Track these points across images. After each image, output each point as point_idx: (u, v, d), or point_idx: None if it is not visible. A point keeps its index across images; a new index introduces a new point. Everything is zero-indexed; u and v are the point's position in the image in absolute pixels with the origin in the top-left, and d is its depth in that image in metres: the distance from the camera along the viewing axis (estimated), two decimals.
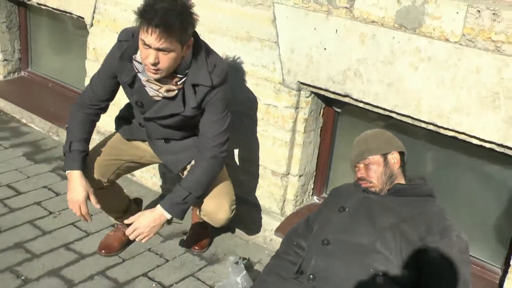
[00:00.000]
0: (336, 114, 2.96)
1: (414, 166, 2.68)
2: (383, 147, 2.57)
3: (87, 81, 3.72)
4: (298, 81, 2.78)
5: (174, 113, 2.50)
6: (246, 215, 3.08)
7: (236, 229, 3.15)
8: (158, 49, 2.25)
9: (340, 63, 2.61)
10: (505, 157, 2.36)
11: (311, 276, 2.34)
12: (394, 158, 2.56)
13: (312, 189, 3.11)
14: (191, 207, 2.87)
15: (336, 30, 2.59)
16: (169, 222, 2.58)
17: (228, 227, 3.09)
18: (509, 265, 2.40)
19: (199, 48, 2.44)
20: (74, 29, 4.21)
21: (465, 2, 2.23)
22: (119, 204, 2.87)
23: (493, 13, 2.17)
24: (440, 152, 2.71)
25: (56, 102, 4.24)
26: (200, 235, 3.01)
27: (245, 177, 3.09)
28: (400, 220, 2.40)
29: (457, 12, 2.25)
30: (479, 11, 2.20)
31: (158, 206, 2.46)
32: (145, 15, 2.22)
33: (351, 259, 2.33)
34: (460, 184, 2.68)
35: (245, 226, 3.13)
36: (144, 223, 2.45)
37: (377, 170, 2.54)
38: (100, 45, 3.63)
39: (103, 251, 2.89)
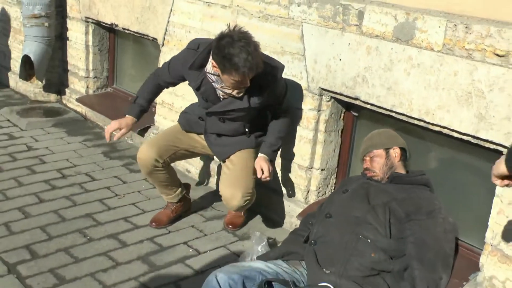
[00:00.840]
0: (355, 118, 3.46)
1: (417, 162, 3.13)
2: (386, 142, 3.06)
3: None
4: (320, 87, 3.31)
5: (239, 108, 3.12)
6: (276, 202, 3.61)
7: (267, 214, 3.67)
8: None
9: (351, 71, 3.13)
10: (479, 149, 2.78)
11: (312, 241, 2.83)
12: (395, 152, 3.04)
13: (334, 183, 3.59)
14: None
15: (349, 44, 3.12)
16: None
17: (261, 212, 3.62)
18: (484, 243, 2.78)
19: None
20: (150, 50, 4.94)
21: (444, 18, 2.72)
22: (172, 184, 3.47)
23: (466, 26, 2.64)
24: (434, 149, 3.15)
25: None
26: (235, 217, 3.55)
27: (275, 170, 3.61)
28: (392, 200, 2.86)
29: (439, 26, 2.73)
30: (455, 25, 2.67)
31: (261, 154, 3.17)
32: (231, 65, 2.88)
33: (345, 227, 2.80)
34: (448, 176, 3.10)
35: (275, 212, 3.64)
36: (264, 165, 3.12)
37: (380, 161, 3.04)
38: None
39: (154, 223, 3.50)
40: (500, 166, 2.02)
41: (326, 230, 2.85)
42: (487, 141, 2.65)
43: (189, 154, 3.51)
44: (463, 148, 2.93)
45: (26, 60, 5.18)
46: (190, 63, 3.12)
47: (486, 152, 2.77)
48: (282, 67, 3.22)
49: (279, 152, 3.52)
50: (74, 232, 3.35)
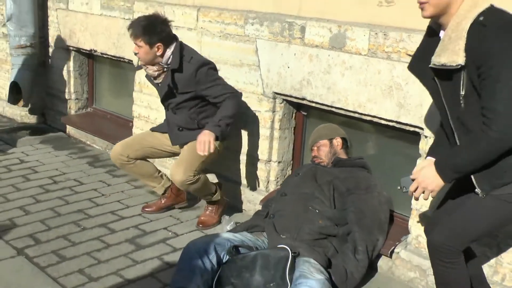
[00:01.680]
0: (304, 117, 4.11)
1: (356, 148, 3.78)
2: (329, 134, 3.73)
3: (134, 109, 5.04)
4: (273, 92, 3.96)
5: (165, 92, 3.76)
6: (241, 193, 4.22)
7: (234, 203, 4.26)
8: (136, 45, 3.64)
9: (298, 76, 3.78)
10: (402, 133, 3.44)
11: (271, 215, 3.46)
12: (337, 141, 3.71)
13: (290, 173, 4.21)
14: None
15: (295, 54, 3.78)
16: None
17: (230, 203, 4.21)
18: (411, 209, 3.41)
19: (181, 49, 3.73)
20: (124, 72, 5.55)
21: (368, 28, 3.39)
22: (150, 177, 4.06)
23: (384, 34, 3.32)
24: (368, 136, 3.81)
25: (112, 128, 5.53)
26: (208, 217, 4.00)
27: (241, 166, 4.22)
28: (335, 178, 3.51)
29: (364, 35, 3.41)
30: (376, 33, 3.35)
31: (207, 131, 3.60)
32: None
33: (297, 202, 3.44)
34: (381, 157, 3.75)
35: (240, 201, 4.25)
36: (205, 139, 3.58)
37: (325, 150, 3.70)
38: (143, 79, 4.92)
39: (146, 209, 4.13)
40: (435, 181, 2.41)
41: (282, 205, 3.48)
42: (406, 124, 3.31)
43: (158, 151, 4.02)
44: (390, 133, 3.59)
45: (13, 86, 5.73)
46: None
47: (406, 135, 3.43)
48: (202, 61, 3.74)
49: (243, 149, 4.12)
50: (69, 224, 3.90)
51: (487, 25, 2.22)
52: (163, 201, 4.13)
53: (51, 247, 3.57)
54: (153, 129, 4.07)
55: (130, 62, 5.11)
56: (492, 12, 2.26)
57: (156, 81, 3.84)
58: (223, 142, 3.87)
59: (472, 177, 2.34)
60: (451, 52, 2.28)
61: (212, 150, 3.58)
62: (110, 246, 3.63)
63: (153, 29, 3.63)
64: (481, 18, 2.25)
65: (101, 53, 5.43)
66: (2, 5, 5.93)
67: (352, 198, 3.45)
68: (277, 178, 4.14)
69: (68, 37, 5.68)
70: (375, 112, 3.44)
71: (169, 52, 3.70)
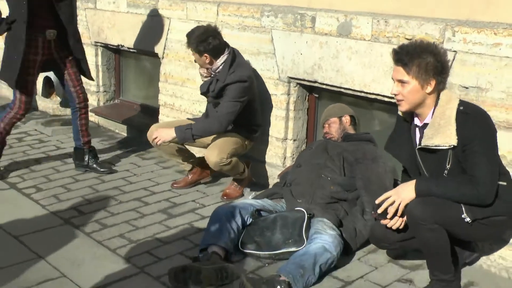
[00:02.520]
0: (316, 99, 4.55)
1: (364, 124, 4.22)
2: (339, 112, 4.16)
3: (160, 98, 5.51)
4: (288, 76, 4.40)
5: (204, 91, 4.27)
6: (261, 169, 4.67)
7: (254, 179, 4.71)
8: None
9: (310, 61, 4.22)
10: None
11: (288, 184, 3.90)
12: (346, 119, 4.14)
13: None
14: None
15: (306, 41, 4.22)
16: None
17: (251, 179, 4.65)
18: None
19: (231, 61, 4.19)
20: (148, 65, 6.02)
21: (370, 16, 3.83)
22: (181, 156, 4.52)
23: (385, 21, 3.75)
24: (374, 113, 4.25)
25: (138, 117, 6.00)
26: (232, 190, 4.47)
27: (261, 145, 4.66)
28: (344, 150, 3.94)
29: (368, 23, 3.84)
30: (378, 20, 3.79)
31: (173, 128, 4.14)
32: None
33: (311, 171, 3.87)
34: (386, 131, 4.18)
35: (261, 176, 4.70)
36: (161, 133, 4.16)
37: (335, 126, 4.13)
38: (168, 70, 5.40)
39: (175, 185, 4.59)
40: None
41: (297, 175, 3.92)
42: None
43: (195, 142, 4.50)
44: (392, 109, 4.02)
45: (46, 81, 6.22)
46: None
47: None
48: (238, 78, 4.16)
49: (263, 129, 4.55)
50: (107, 198, 4.37)
51: (470, 113, 2.91)
52: (190, 177, 4.59)
53: (93, 218, 4.03)
54: (189, 119, 4.53)
55: (156, 55, 5.56)
56: (465, 104, 2.99)
57: (203, 78, 4.35)
58: (251, 143, 4.44)
59: (463, 207, 2.92)
60: (443, 136, 2.92)
61: (158, 144, 4.22)
62: (145, 216, 4.09)
63: (202, 42, 4.14)
64: (461, 108, 2.93)
65: (128, 48, 5.89)
66: None
67: (360, 167, 3.87)
68: (293, 154, 4.58)
69: (96, 34, 6.16)
70: (379, 90, 3.87)
71: (219, 62, 4.20)
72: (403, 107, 3.04)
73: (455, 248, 3.22)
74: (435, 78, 2.95)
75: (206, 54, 4.16)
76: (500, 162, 3.09)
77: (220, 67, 4.20)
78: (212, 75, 4.25)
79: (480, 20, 3.37)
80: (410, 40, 3.59)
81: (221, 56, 4.21)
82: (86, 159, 4.89)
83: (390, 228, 3.13)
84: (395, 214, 3.06)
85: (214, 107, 4.31)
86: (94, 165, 4.89)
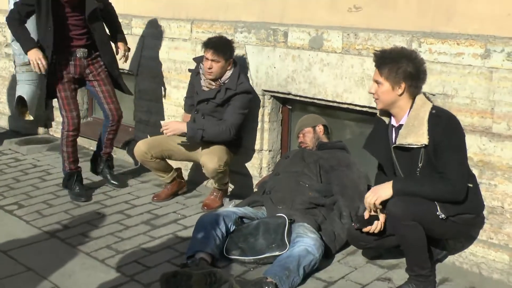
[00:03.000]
0: (289, 111, 4.75)
1: (336, 133, 4.43)
2: (312, 122, 4.36)
3: (135, 115, 5.62)
4: (262, 89, 4.59)
5: (206, 97, 4.41)
6: (239, 179, 4.83)
7: (234, 189, 4.87)
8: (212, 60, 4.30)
9: (283, 74, 4.42)
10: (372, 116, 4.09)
11: (268, 192, 4.07)
12: (319, 128, 4.34)
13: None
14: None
15: (280, 55, 4.42)
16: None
17: (228, 190, 4.81)
18: None
19: (239, 73, 4.41)
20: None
21: (341, 30, 4.05)
22: (163, 170, 4.65)
23: (355, 34, 3.98)
24: (345, 122, 4.47)
25: None
26: (212, 200, 4.60)
27: (238, 156, 4.82)
28: (319, 158, 4.13)
29: (338, 36, 4.06)
30: (348, 34, 4.01)
31: (185, 123, 4.32)
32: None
33: (290, 179, 4.05)
34: (357, 139, 4.40)
35: (239, 186, 4.86)
36: (173, 125, 4.30)
37: (309, 136, 4.33)
38: (143, 87, 5.53)
39: (155, 198, 4.72)
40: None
41: (276, 183, 4.10)
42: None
43: (176, 154, 4.61)
44: (364, 117, 4.25)
45: (19, 100, 6.26)
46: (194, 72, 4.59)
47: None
48: (245, 89, 4.40)
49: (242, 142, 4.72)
50: (90, 212, 4.47)
51: (441, 116, 3.17)
52: (169, 188, 4.71)
53: (78, 231, 4.13)
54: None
55: (130, 72, 5.68)
56: (438, 108, 3.26)
57: (202, 88, 4.49)
58: (235, 156, 4.62)
59: (437, 204, 3.16)
60: (416, 135, 3.16)
61: (167, 135, 4.38)
62: (130, 227, 4.20)
63: (228, 48, 4.37)
64: (434, 111, 3.18)
65: None
66: (5, 28, 6.46)
67: (336, 174, 4.08)
68: (269, 164, 4.76)
69: None
70: (350, 100, 4.08)
71: (229, 72, 4.40)
72: (378, 106, 3.36)
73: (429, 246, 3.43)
74: (405, 82, 3.21)
75: (230, 60, 4.39)
76: (467, 164, 3.33)
77: (229, 77, 4.40)
78: (220, 85, 4.41)
79: (443, 31, 3.61)
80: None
81: (231, 67, 4.44)
82: (101, 167, 5.05)
83: (371, 233, 3.33)
84: (375, 218, 3.27)
85: (203, 118, 4.47)
86: (107, 175, 5.05)
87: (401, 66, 3.19)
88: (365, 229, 3.35)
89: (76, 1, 4.46)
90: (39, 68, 4.43)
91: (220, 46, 4.35)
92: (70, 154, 4.78)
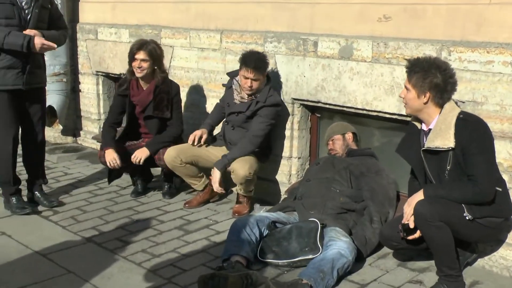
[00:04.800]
0: (318, 119, 4.84)
1: (365, 140, 4.51)
2: (342, 130, 4.45)
3: None
4: (292, 98, 4.69)
5: (239, 110, 4.54)
6: (267, 187, 4.92)
7: (262, 197, 4.95)
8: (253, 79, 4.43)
9: (313, 83, 4.52)
10: (403, 124, 4.17)
11: (299, 197, 4.16)
12: (349, 136, 4.43)
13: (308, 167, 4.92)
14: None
15: (309, 64, 4.52)
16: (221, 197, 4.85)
17: (257, 195, 4.90)
18: None
19: (270, 86, 4.54)
20: None
21: (370, 39, 4.14)
22: (195, 177, 4.77)
23: (384, 44, 4.07)
24: (374, 130, 4.55)
25: None
26: (241, 207, 4.69)
27: (268, 164, 4.91)
28: (349, 165, 4.22)
29: (368, 45, 4.16)
30: (378, 43, 4.11)
31: (215, 169, 4.48)
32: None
33: (321, 185, 4.13)
34: (387, 146, 4.48)
35: (269, 193, 4.94)
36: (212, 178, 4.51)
37: (339, 143, 4.41)
38: None
39: (186, 205, 4.82)
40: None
41: (308, 189, 4.18)
42: (407, 116, 4.03)
43: (204, 161, 4.73)
44: (393, 125, 4.33)
45: (48, 110, 6.41)
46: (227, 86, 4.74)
47: (407, 126, 4.16)
48: (279, 101, 4.57)
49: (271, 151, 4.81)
50: (123, 218, 4.58)
51: (468, 120, 3.27)
52: (201, 195, 4.82)
53: (113, 236, 4.23)
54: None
55: None
56: (465, 113, 3.35)
57: (234, 100, 4.63)
58: (262, 164, 4.73)
59: (464, 206, 3.25)
60: (443, 139, 3.27)
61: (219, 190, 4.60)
62: (163, 232, 4.30)
63: (267, 63, 4.53)
64: (461, 116, 3.29)
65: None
66: None
67: (366, 180, 4.16)
68: (298, 171, 4.84)
69: (97, 64, 6.40)
70: (380, 108, 4.17)
71: (262, 85, 4.53)
72: (406, 110, 3.53)
73: (458, 249, 3.50)
74: (430, 92, 3.33)
75: (265, 74, 4.52)
76: (497, 168, 3.41)
77: (262, 91, 4.52)
78: (252, 99, 4.53)
79: (473, 40, 3.69)
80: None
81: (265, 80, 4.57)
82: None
83: (412, 240, 3.44)
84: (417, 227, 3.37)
85: (232, 129, 4.60)
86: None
87: (428, 77, 3.31)
88: (410, 237, 3.43)
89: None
90: (113, 166, 4.81)
91: (259, 63, 4.45)
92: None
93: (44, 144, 4.85)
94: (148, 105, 4.85)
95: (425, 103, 3.36)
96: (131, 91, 4.90)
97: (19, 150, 4.68)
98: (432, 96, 3.33)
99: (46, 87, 4.80)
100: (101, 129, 6.26)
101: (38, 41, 4.28)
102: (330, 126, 4.53)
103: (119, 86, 5.03)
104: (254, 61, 4.42)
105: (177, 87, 5.00)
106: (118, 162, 4.76)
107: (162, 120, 4.92)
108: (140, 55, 4.73)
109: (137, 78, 4.84)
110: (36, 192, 4.84)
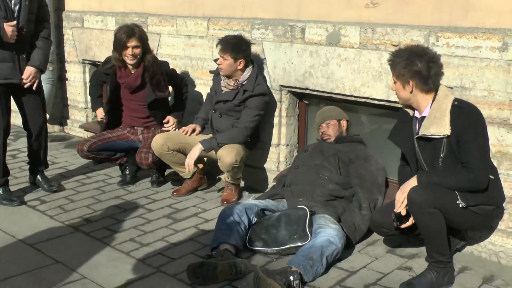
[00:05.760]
0: (306, 106, 4.82)
1: (353, 127, 4.50)
2: (338, 115, 4.42)
3: None
4: (279, 85, 4.67)
5: (225, 99, 4.52)
6: (256, 174, 4.91)
7: (251, 184, 4.95)
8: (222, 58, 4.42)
9: (300, 70, 4.49)
10: (391, 111, 4.16)
11: (288, 185, 4.14)
12: (344, 123, 4.41)
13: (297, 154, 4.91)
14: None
15: (297, 51, 4.49)
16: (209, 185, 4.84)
17: (246, 183, 4.89)
18: None
19: (257, 74, 4.49)
20: None
21: (358, 25, 4.12)
22: (182, 165, 4.66)
23: (372, 29, 4.05)
24: (363, 116, 4.54)
25: None
26: (229, 195, 4.67)
27: (255, 151, 4.89)
28: (338, 151, 4.20)
29: (356, 31, 4.14)
30: (365, 29, 4.08)
31: (199, 145, 4.40)
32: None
33: (309, 171, 4.12)
34: (375, 133, 4.47)
35: (258, 180, 4.93)
36: (190, 153, 4.43)
37: (334, 128, 4.37)
38: None
39: (174, 193, 4.80)
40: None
41: (296, 176, 4.17)
42: (395, 102, 4.02)
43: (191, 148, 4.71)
44: (381, 111, 4.32)
45: None
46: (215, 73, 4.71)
47: (395, 112, 4.15)
48: (266, 90, 4.54)
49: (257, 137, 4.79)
50: (111, 207, 4.55)
51: (463, 107, 3.27)
52: (189, 183, 4.79)
53: (101, 225, 4.20)
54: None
55: None
56: (460, 100, 3.35)
57: (221, 88, 4.61)
58: (249, 152, 4.70)
59: (457, 193, 3.24)
60: (438, 126, 3.26)
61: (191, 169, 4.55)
62: (152, 221, 4.28)
63: (239, 47, 4.44)
64: (456, 103, 3.28)
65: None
66: None
67: (354, 166, 4.15)
68: (286, 159, 4.83)
69: (84, 52, 6.34)
70: (368, 94, 4.16)
71: (247, 73, 4.49)
72: (399, 102, 3.53)
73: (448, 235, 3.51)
74: (413, 80, 3.34)
75: (242, 60, 4.45)
76: (489, 155, 3.41)
77: (247, 78, 4.49)
78: (239, 87, 4.51)
79: (460, 25, 3.68)
80: (396, 46, 3.89)
81: (249, 67, 4.52)
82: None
83: (404, 228, 3.44)
84: (408, 214, 3.37)
85: (220, 117, 4.58)
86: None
87: (408, 66, 3.32)
88: (403, 226, 3.42)
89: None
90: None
91: (229, 44, 4.44)
92: None
93: (44, 131, 4.88)
94: (139, 89, 4.88)
95: (411, 92, 3.37)
96: (118, 72, 4.89)
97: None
98: (415, 84, 3.34)
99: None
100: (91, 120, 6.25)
101: (8, 29, 4.27)
102: (324, 109, 4.46)
103: (103, 64, 5.06)
104: (224, 40, 4.48)
105: (167, 64, 5.05)
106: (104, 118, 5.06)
107: (163, 101, 4.96)
108: (132, 42, 4.70)
109: (125, 63, 4.79)
110: (38, 176, 4.93)
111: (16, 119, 5.34)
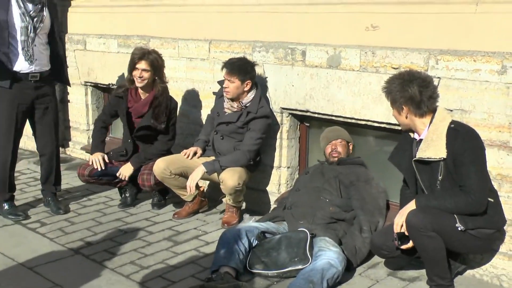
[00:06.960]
0: (307, 128, 4.83)
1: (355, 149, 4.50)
2: (348, 138, 4.42)
3: None
4: (280, 107, 4.68)
5: (228, 121, 4.52)
6: (257, 196, 4.90)
7: (252, 206, 4.93)
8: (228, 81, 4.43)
9: (301, 92, 4.51)
10: (392, 133, 4.17)
11: (289, 207, 4.14)
12: (351, 146, 4.42)
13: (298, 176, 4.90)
14: None
15: (298, 73, 4.51)
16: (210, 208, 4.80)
17: (247, 205, 4.88)
18: None
19: (260, 96, 4.51)
20: None
21: (358, 48, 4.14)
22: (183, 188, 4.63)
23: (372, 52, 4.07)
24: (363, 138, 4.55)
25: None
26: (230, 217, 4.66)
27: (256, 173, 4.89)
28: (339, 174, 4.20)
29: (356, 54, 4.16)
30: (366, 52, 4.11)
31: (201, 167, 4.40)
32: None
33: (310, 194, 4.12)
34: (376, 155, 4.47)
35: (258, 203, 4.92)
36: (192, 175, 4.41)
37: (344, 149, 4.37)
38: None
39: (175, 215, 4.79)
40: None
41: (297, 198, 4.16)
42: (395, 124, 4.03)
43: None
44: (382, 133, 4.32)
45: None
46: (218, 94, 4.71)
47: (396, 135, 4.16)
48: (265, 114, 4.52)
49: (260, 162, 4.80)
50: (112, 229, 4.54)
51: (460, 130, 3.29)
52: (190, 206, 4.79)
53: (101, 248, 4.19)
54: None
55: None
56: (457, 122, 3.38)
57: (224, 110, 4.62)
58: (251, 174, 4.68)
59: (456, 217, 3.25)
60: (435, 149, 3.29)
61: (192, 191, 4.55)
62: (152, 244, 4.27)
63: (245, 69, 4.47)
64: (453, 126, 3.31)
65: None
66: None
67: (355, 189, 4.14)
68: (287, 181, 4.83)
69: (86, 74, 6.37)
70: (368, 116, 4.17)
71: (251, 96, 4.51)
72: (400, 127, 3.59)
73: (449, 259, 3.50)
74: (406, 106, 3.39)
75: (248, 81, 4.47)
76: (489, 178, 3.41)
77: (251, 100, 4.51)
78: (242, 109, 4.52)
79: (460, 49, 3.70)
80: (397, 69, 3.91)
81: (253, 89, 4.54)
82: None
83: (405, 250, 3.43)
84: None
85: (221, 138, 4.59)
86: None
87: (399, 92, 3.37)
88: (404, 247, 3.41)
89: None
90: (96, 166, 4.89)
91: (235, 67, 4.46)
92: None
93: (55, 154, 4.96)
94: (144, 115, 4.87)
95: (407, 117, 3.42)
96: (129, 96, 4.89)
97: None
98: (408, 109, 3.39)
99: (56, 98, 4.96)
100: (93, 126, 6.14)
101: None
102: (335, 127, 4.42)
103: (117, 88, 5.05)
104: (231, 62, 4.48)
105: (175, 104, 5.01)
106: (102, 165, 4.86)
107: (155, 132, 4.92)
108: (142, 64, 4.72)
109: (136, 86, 4.81)
110: (49, 198, 4.98)
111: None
